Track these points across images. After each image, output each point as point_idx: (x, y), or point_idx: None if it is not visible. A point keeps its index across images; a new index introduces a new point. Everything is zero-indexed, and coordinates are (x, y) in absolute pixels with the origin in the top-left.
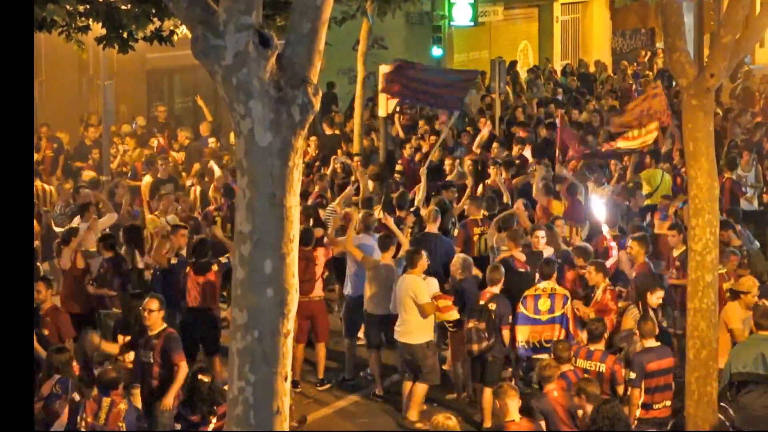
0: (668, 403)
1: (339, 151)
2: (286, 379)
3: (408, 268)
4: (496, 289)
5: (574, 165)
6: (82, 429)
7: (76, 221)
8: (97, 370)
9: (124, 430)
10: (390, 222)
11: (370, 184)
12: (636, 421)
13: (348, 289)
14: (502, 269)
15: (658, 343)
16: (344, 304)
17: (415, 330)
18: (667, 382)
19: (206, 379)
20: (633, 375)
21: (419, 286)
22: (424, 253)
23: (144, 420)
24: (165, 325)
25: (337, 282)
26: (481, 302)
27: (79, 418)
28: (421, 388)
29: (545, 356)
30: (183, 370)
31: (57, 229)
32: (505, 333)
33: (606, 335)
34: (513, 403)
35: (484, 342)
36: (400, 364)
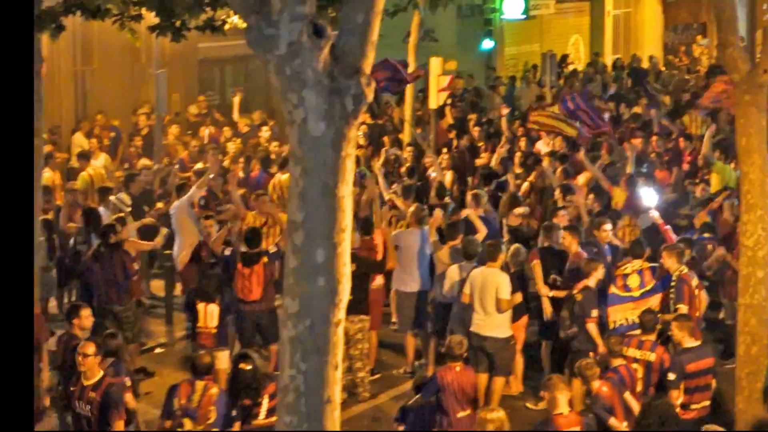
0: (707, 403)
1: (385, 140)
2: (336, 368)
3: (488, 261)
4: (591, 282)
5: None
6: (175, 409)
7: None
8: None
9: (214, 415)
10: (472, 213)
11: (448, 175)
12: None
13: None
14: (597, 263)
15: (698, 343)
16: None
17: (502, 324)
18: (707, 382)
19: (247, 367)
20: (672, 376)
21: (504, 280)
22: (503, 247)
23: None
24: (103, 373)
25: None
26: (574, 291)
27: (175, 400)
28: (500, 382)
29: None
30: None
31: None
32: (590, 327)
33: (659, 327)
34: (563, 397)
35: (567, 329)
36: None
